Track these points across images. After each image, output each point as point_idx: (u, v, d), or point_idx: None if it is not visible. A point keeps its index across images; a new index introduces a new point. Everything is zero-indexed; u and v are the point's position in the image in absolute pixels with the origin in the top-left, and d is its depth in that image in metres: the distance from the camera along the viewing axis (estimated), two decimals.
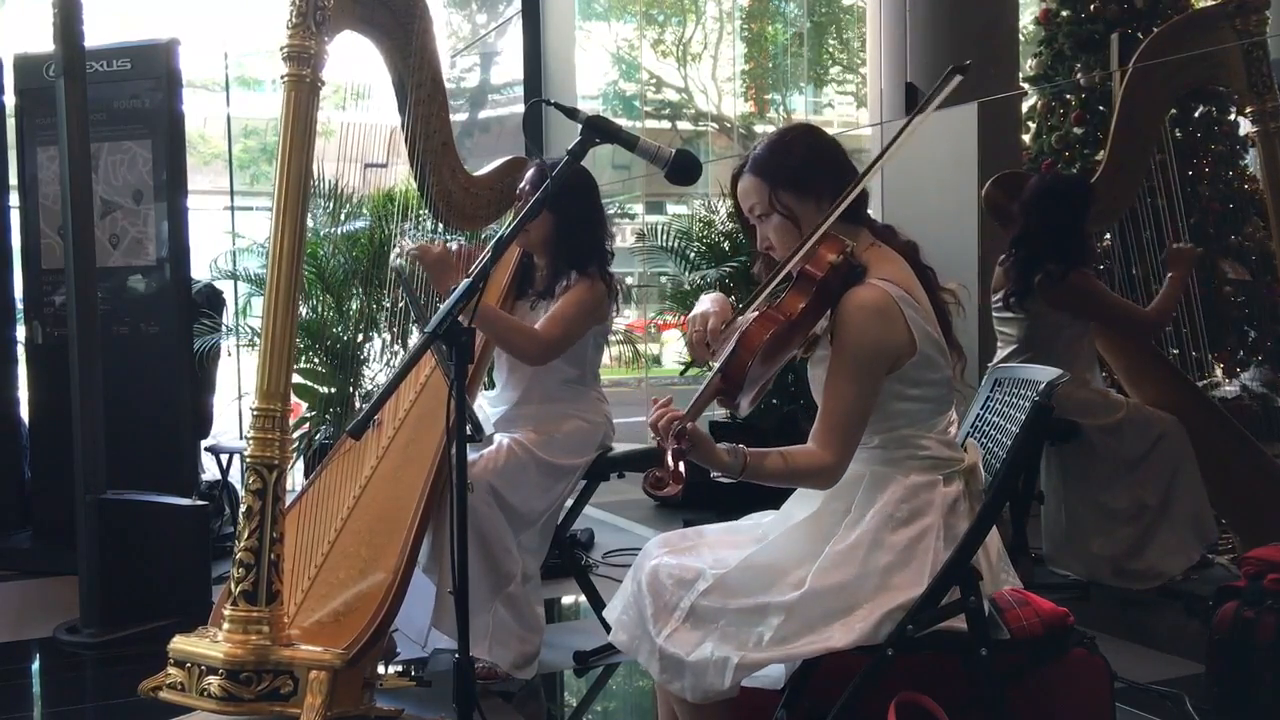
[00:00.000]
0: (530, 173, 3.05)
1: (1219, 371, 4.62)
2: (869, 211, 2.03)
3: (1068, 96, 5.08)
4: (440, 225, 3.32)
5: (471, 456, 2.89)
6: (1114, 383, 4.06)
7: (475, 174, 3.20)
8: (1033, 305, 3.62)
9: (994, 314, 3.77)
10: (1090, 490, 3.68)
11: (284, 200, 2.59)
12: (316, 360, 4.83)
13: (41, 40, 3.89)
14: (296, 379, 4.11)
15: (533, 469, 2.96)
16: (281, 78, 2.60)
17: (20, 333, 4.62)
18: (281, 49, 2.58)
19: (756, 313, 1.82)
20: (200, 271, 4.89)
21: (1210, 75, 4.03)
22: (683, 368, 1.93)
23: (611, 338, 3.92)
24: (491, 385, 3.35)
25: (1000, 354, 3.71)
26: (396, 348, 4.71)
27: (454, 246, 3.11)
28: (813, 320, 1.84)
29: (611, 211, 3.43)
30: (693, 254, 5.25)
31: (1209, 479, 3.67)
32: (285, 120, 2.59)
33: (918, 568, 1.81)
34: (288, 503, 2.67)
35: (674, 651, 1.79)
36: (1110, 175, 3.93)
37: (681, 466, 1.67)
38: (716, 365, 1.80)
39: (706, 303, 1.96)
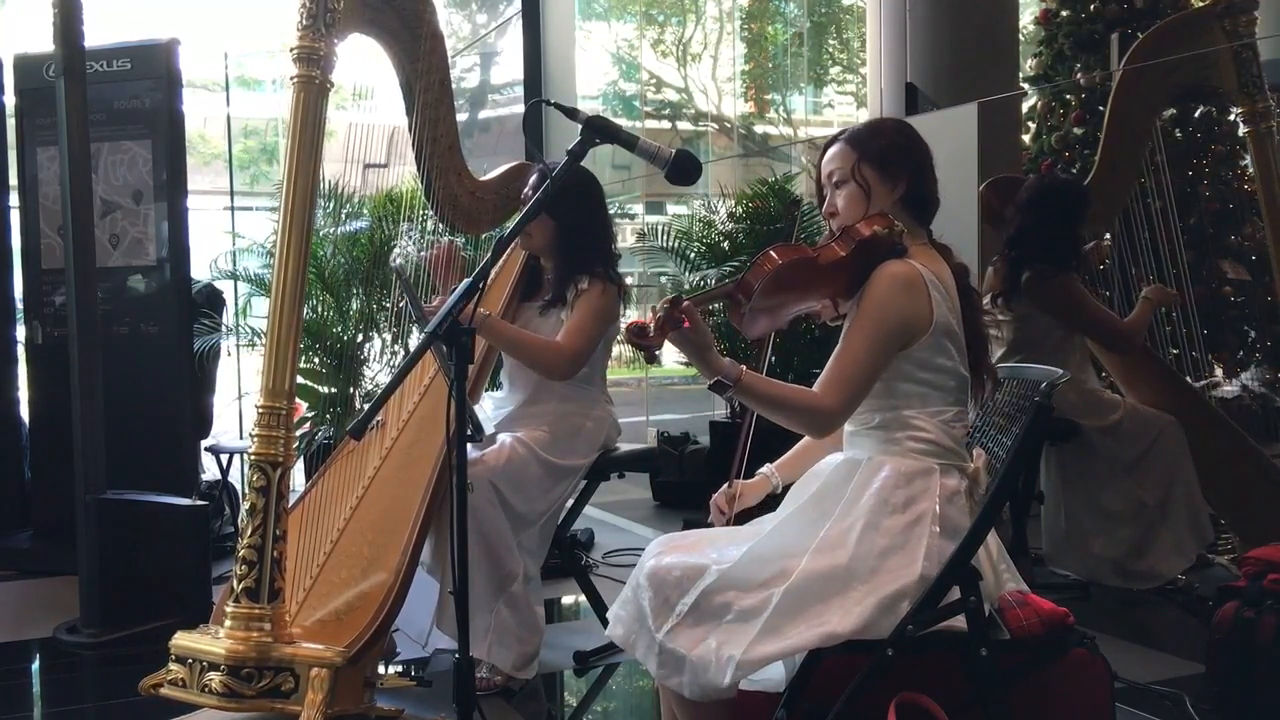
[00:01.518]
0: (534, 178, 3.05)
1: (1219, 372, 4.62)
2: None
3: (1068, 96, 5.09)
4: (442, 227, 3.32)
5: (474, 455, 2.89)
6: (1111, 384, 4.06)
7: (481, 178, 3.20)
8: (1019, 306, 3.62)
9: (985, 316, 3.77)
10: (1089, 490, 3.68)
11: (292, 200, 2.59)
12: (317, 360, 4.83)
13: (41, 40, 3.90)
14: (297, 379, 4.11)
15: (536, 468, 2.96)
16: (291, 79, 2.60)
17: (20, 333, 4.62)
18: (291, 50, 2.59)
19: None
20: (200, 271, 4.89)
21: (1201, 76, 4.05)
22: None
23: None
24: (497, 386, 3.35)
25: (992, 357, 3.70)
26: (397, 348, 4.72)
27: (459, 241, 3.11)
28: (841, 276, 1.91)
29: (611, 211, 3.43)
30: (693, 254, 5.26)
31: (1207, 479, 3.67)
32: (294, 121, 2.59)
33: (912, 551, 1.82)
34: (290, 502, 2.67)
35: (674, 647, 1.79)
36: (1103, 176, 3.94)
37: (665, 329, 1.79)
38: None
39: None
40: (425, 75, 2.95)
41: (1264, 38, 4.00)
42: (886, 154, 2.00)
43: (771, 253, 1.87)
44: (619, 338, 3.21)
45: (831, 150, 2.05)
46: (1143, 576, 3.63)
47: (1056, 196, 3.63)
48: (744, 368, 1.85)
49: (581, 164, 2.04)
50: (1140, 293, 3.72)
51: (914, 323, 1.88)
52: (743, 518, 2.15)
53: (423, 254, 3.23)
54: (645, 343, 1.80)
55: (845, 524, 1.86)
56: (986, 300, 3.71)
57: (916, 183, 2.00)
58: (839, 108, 13.31)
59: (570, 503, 3.19)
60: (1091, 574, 3.68)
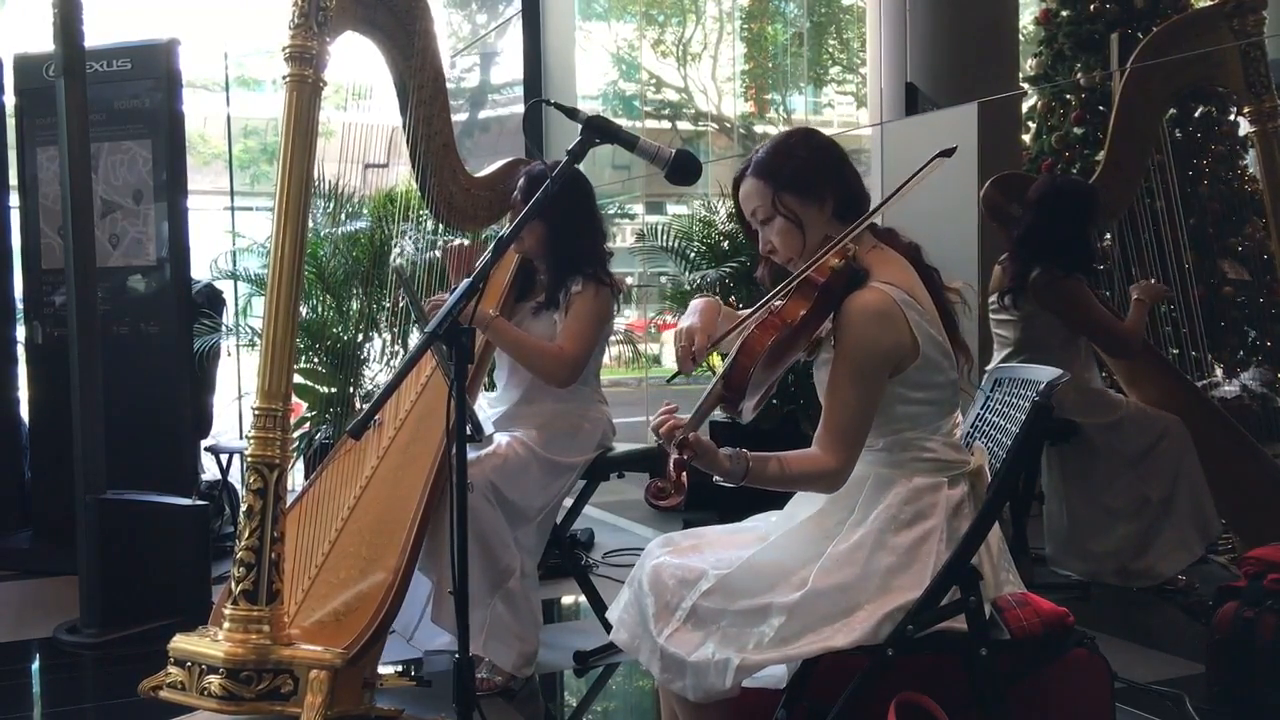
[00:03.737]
0: (521, 181, 3.04)
1: (1219, 372, 4.62)
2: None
3: (1068, 96, 5.09)
4: (441, 226, 3.32)
5: (472, 455, 2.89)
6: (1113, 383, 4.06)
7: (476, 175, 3.20)
8: (1026, 305, 3.62)
9: (990, 315, 3.77)
10: (1091, 490, 3.67)
11: (286, 201, 2.59)
12: (316, 360, 4.83)
13: (41, 40, 3.90)
14: (296, 379, 4.11)
15: (534, 466, 2.97)
16: (283, 78, 2.60)
17: (20, 333, 4.62)
18: (283, 49, 2.58)
19: (758, 319, 1.82)
20: (200, 271, 4.89)
21: (1208, 75, 4.04)
22: (670, 376, 1.94)
23: (612, 338, 3.93)
24: (492, 386, 3.35)
25: (997, 356, 3.70)
26: (396, 348, 4.72)
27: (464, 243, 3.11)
28: (814, 325, 1.84)
29: (611, 211, 3.43)
30: (693, 254, 5.25)
31: (1208, 479, 3.67)
32: (287, 121, 2.59)
33: (919, 570, 1.81)
34: (288, 503, 2.67)
35: (675, 651, 1.79)
36: (1108, 175, 3.94)
37: (684, 476, 1.69)
38: (718, 373, 1.80)
39: (693, 314, 1.95)
40: (419, 73, 2.95)
41: (1271, 36, 3.99)
42: (801, 177, 1.90)
43: (749, 340, 1.77)
44: (618, 343, 3.20)
45: (744, 189, 1.96)
46: (1148, 574, 3.62)
47: (1069, 197, 3.61)
48: (749, 458, 1.77)
49: (579, 163, 2.03)
50: (1131, 294, 3.72)
51: (898, 352, 1.82)
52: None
53: (434, 251, 3.23)
54: (670, 504, 1.71)
55: (853, 541, 1.84)
56: (993, 299, 3.71)
57: (841, 191, 1.92)
58: (839, 108, 13.31)
59: (570, 502, 3.19)
60: (1095, 573, 3.67)
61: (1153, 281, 3.75)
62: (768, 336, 1.77)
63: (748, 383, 1.75)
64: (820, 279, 1.79)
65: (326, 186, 4.66)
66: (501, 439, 3.01)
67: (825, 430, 1.83)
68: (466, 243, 3.15)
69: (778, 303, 1.84)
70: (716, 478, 1.79)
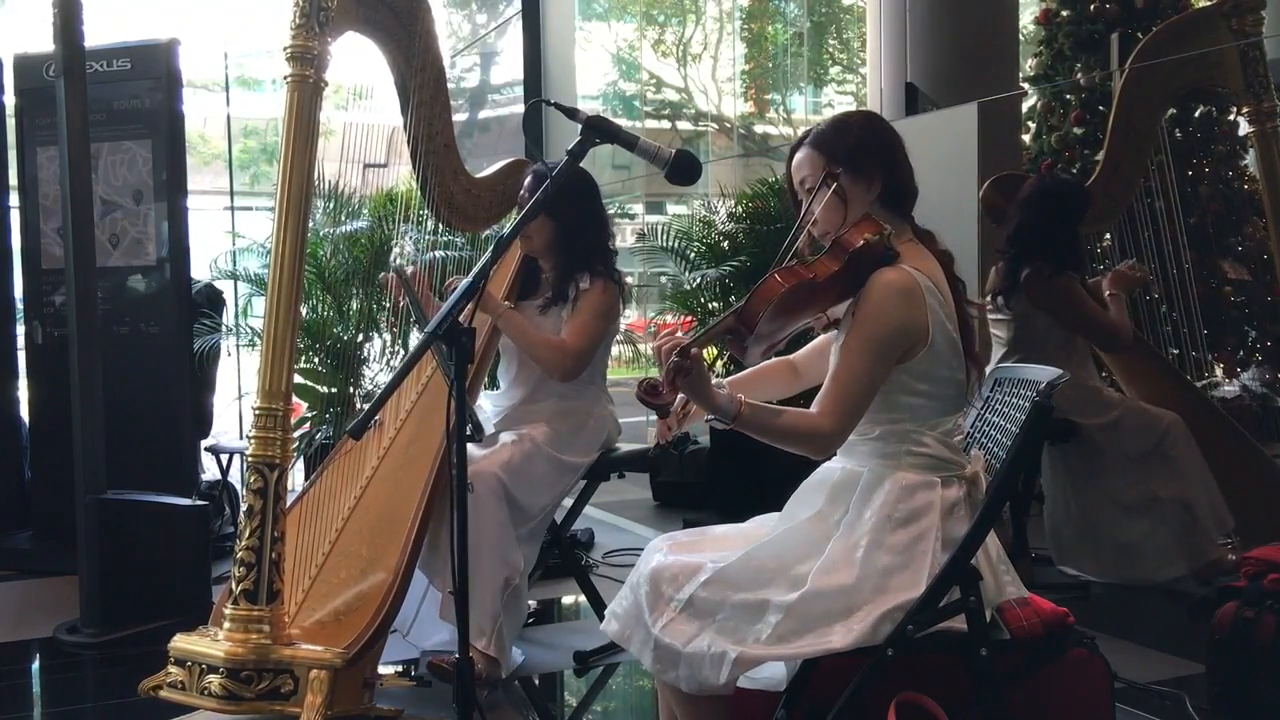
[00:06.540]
0: (529, 178, 3.05)
1: (1219, 371, 4.62)
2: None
3: (1068, 96, 5.09)
4: (441, 226, 3.32)
5: (478, 453, 2.89)
6: (1113, 383, 4.06)
7: (477, 175, 3.20)
8: (1019, 305, 3.61)
9: (988, 316, 3.76)
10: (1098, 488, 3.66)
11: (287, 200, 2.59)
12: (316, 360, 4.84)
13: (41, 40, 3.90)
14: (296, 379, 4.11)
15: (541, 464, 2.96)
16: (285, 78, 2.60)
17: (20, 333, 4.61)
18: (285, 49, 2.58)
19: (780, 269, 1.87)
20: (200, 271, 4.89)
21: (1207, 76, 4.04)
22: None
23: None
24: (495, 385, 3.35)
25: (994, 358, 3.69)
26: (397, 348, 4.72)
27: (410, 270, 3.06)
28: (836, 290, 1.88)
29: (612, 211, 3.42)
30: (693, 254, 5.25)
31: None
32: (288, 121, 2.59)
33: (916, 570, 1.82)
34: (289, 503, 2.67)
35: (669, 642, 1.79)
36: (1107, 176, 3.94)
37: (676, 381, 1.76)
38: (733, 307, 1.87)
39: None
40: (420, 73, 2.95)
41: (1270, 37, 3.99)
42: (855, 154, 1.94)
43: (770, 280, 1.83)
44: (618, 343, 3.20)
45: (799, 156, 2.00)
46: (1150, 574, 3.61)
47: (1057, 197, 3.61)
48: (742, 398, 1.82)
49: (579, 163, 2.03)
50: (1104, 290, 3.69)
51: (912, 333, 1.84)
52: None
53: (436, 252, 3.22)
54: (660, 401, 1.77)
55: (849, 542, 1.85)
56: (988, 299, 3.71)
57: (891, 177, 1.95)
58: (839, 108, 13.32)
59: (568, 502, 3.19)
60: (1103, 572, 3.66)
61: (1122, 267, 3.71)
62: (788, 281, 1.83)
63: (757, 321, 1.80)
64: (853, 244, 1.84)
65: (326, 186, 4.67)
66: (508, 437, 3.00)
67: (826, 394, 1.85)
68: (411, 269, 3.09)
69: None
70: (707, 417, 1.84)
